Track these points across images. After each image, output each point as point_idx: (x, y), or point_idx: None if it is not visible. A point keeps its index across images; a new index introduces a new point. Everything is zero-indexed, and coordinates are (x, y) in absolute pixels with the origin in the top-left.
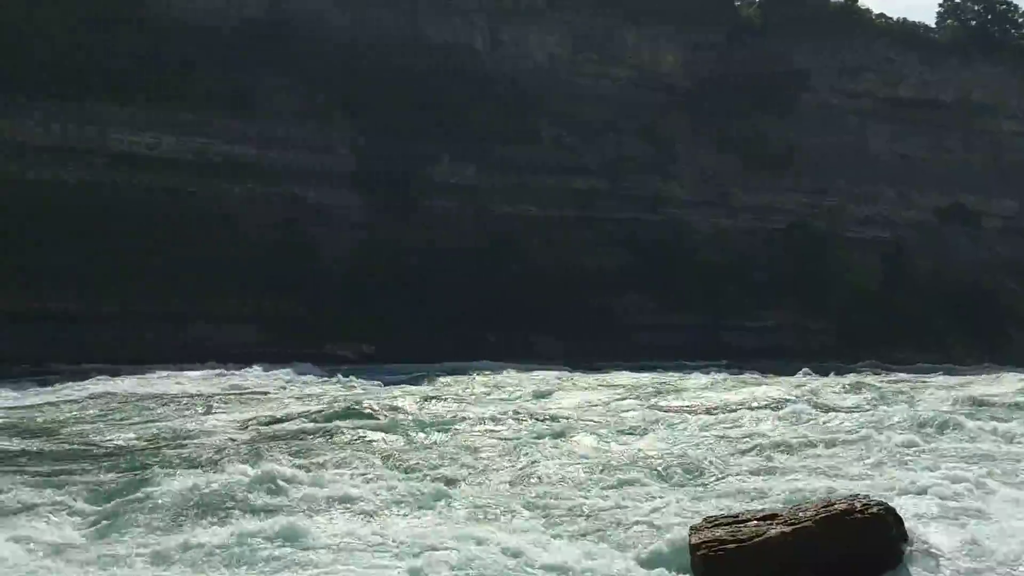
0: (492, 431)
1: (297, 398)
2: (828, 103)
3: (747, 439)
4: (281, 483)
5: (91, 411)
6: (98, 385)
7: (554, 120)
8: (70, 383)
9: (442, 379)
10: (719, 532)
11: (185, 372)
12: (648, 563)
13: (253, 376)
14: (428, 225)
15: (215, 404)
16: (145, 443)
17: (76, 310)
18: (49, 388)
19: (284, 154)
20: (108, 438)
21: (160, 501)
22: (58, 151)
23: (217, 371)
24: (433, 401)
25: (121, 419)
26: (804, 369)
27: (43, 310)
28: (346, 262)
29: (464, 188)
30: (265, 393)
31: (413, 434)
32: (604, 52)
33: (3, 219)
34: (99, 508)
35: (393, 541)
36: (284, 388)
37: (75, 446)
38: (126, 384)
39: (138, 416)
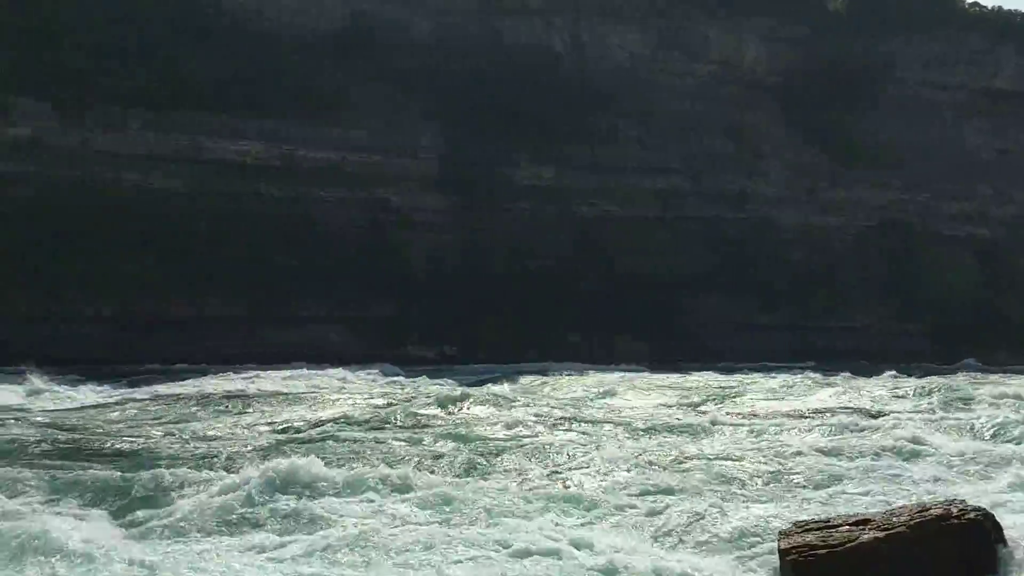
0: (567, 433)
1: (381, 396)
2: (919, 96)
3: (834, 442)
4: (374, 483)
5: (177, 408)
6: (183, 386)
7: (635, 119)
8: (155, 383)
9: (523, 380)
10: (809, 537)
11: (270, 372)
12: (737, 568)
13: (337, 377)
14: (510, 227)
15: (295, 402)
16: (239, 437)
17: (171, 312)
18: (135, 387)
19: (369, 159)
20: (200, 435)
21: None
22: (152, 159)
23: (301, 371)
24: (509, 401)
25: (213, 414)
26: (891, 372)
27: (139, 313)
28: (429, 264)
29: (544, 189)
30: (345, 391)
31: (483, 435)
32: (685, 48)
33: (99, 225)
34: (172, 503)
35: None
36: (369, 386)
37: (155, 440)
38: (214, 382)
39: (228, 412)
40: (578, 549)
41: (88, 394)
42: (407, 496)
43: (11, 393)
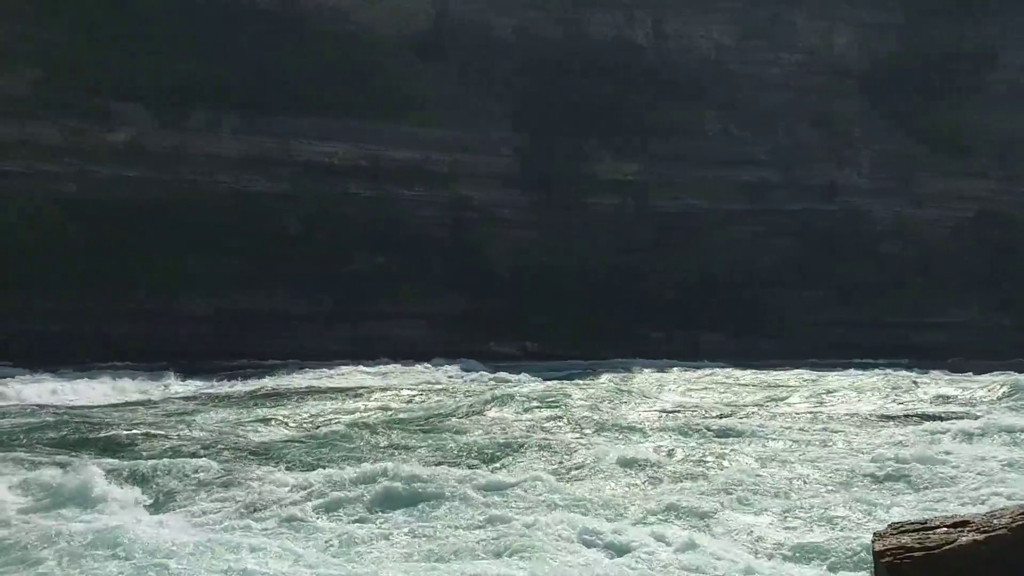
0: (653, 432)
1: (464, 392)
2: (1019, 83)
3: (931, 443)
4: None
5: (268, 402)
6: (276, 380)
7: (721, 110)
8: (249, 378)
9: (604, 377)
10: (905, 539)
11: (358, 367)
12: (830, 570)
13: (420, 371)
14: (591, 222)
15: (387, 396)
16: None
17: (261, 310)
18: (232, 381)
19: (451, 157)
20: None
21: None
22: (244, 161)
23: (388, 366)
24: (591, 399)
25: (303, 407)
26: (990, 369)
27: (232, 310)
28: (510, 260)
29: (627, 184)
30: (432, 386)
31: (561, 431)
32: (772, 38)
33: (197, 226)
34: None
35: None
36: (452, 382)
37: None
38: (305, 377)
39: (319, 404)
40: (683, 552)
41: (191, 387)
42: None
43: (117, 387)
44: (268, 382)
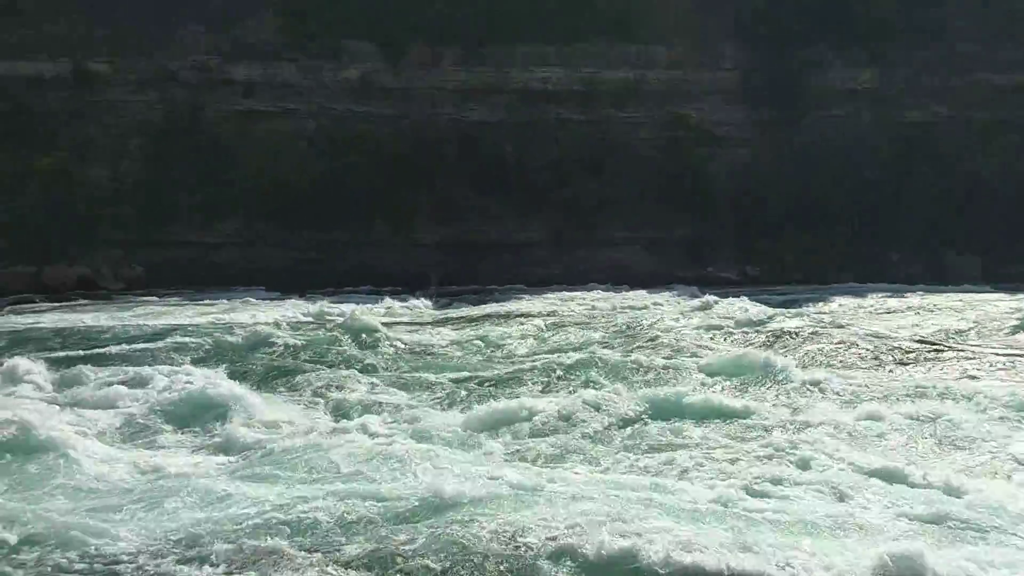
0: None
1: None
2: None
3: None
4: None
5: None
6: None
7: (968, 9)
8: (473, 304)
9: (835, 302)
10: None
11: (577, 293)
12: None
13: (637, 297)
14: (821, 137)
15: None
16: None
17: (482, 238)
18: (456, 307)
19: (668, 75)
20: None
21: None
22: (463, 92)
23: (605, 292)
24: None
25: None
26: None
27: (455, 239)
28: (732, 181)
29: (862, 93)
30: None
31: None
32: None
33: (423, 158)
34: None
35: None
36: (663, 308)
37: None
38: (525, 303)
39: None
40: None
41: (422, 311)
42: None
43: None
44: (494, 307)
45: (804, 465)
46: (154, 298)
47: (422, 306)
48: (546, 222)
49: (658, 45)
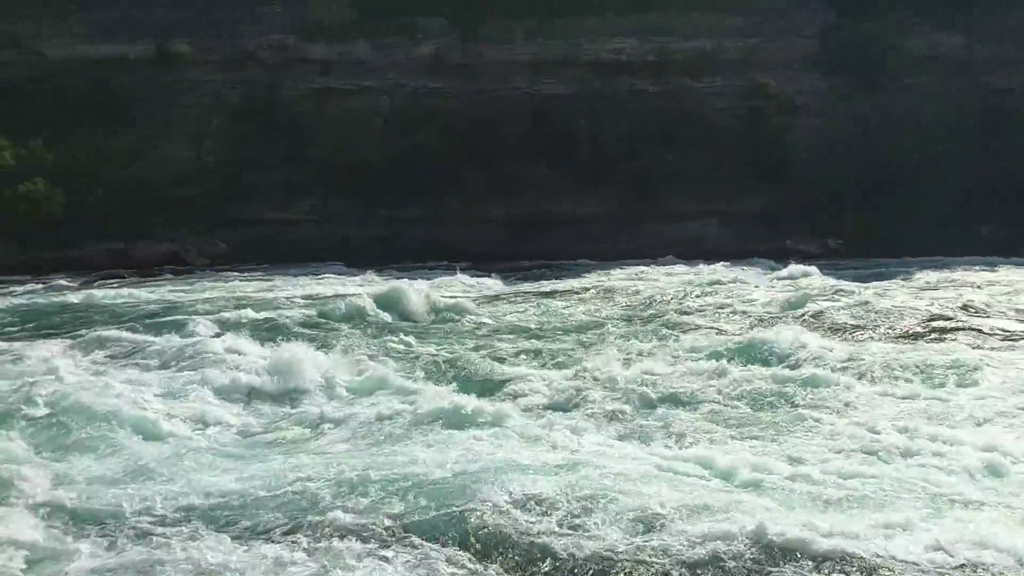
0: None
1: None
2: None
3: None
4: None
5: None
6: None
7: None
8: (542, 279)
9: (917, 277)
10: None
11: (648, 268)
12: None
13: (713, 271)
14: (905, 105)
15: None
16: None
17: (553, 211)
18: (525, 282)
19: (745, 43)
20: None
21: None
22: (536, 65)
23: (680, 267)
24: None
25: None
26: None
27: (526, 212)
28: (811, 151)
29: (947, 60)
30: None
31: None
32: None
33: (495, 132)
34: None
35: None
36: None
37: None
38: (593, 277)
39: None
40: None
41: (493, 285)
42: None
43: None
44: (564, 283)
45: None
46: (235, 274)
47: (490, 283)
48: (615, 195)
49: (734, 13)
